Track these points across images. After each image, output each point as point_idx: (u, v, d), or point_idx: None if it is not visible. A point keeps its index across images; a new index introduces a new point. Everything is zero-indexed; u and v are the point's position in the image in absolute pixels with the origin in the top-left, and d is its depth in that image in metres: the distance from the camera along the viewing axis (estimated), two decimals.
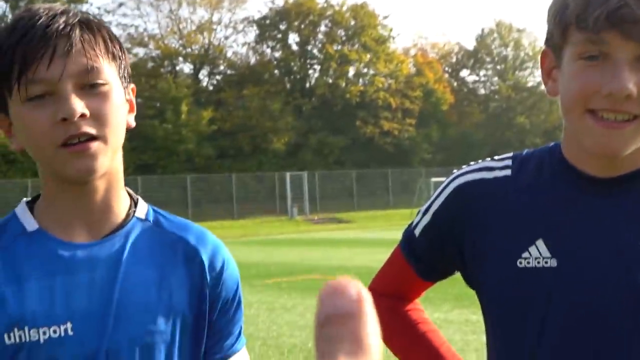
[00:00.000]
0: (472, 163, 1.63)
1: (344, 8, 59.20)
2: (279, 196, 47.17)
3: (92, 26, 1.32)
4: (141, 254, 1.37)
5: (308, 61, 59.79)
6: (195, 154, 49.51)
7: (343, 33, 59.37)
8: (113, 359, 1.31)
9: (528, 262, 1.50)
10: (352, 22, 59.18)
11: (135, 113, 1.43)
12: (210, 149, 50.14)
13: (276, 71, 59.37)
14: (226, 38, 59.31)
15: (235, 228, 38.25)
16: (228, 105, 53.84)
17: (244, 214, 44.31)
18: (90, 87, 1.28)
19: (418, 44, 66.99)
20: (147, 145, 48.46)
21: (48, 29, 1.26)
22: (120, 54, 1.37)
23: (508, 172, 1.56)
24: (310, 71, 59.96)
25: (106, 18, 54.87)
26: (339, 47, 58.74)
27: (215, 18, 58.25)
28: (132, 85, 1.43)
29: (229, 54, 59.39)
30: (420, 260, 1.73)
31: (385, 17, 62.44)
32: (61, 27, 1.27)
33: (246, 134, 51.85)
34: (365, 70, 59.95)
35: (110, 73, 1.32)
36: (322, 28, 59.43)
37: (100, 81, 1.29)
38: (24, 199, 1.43)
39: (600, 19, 1.29)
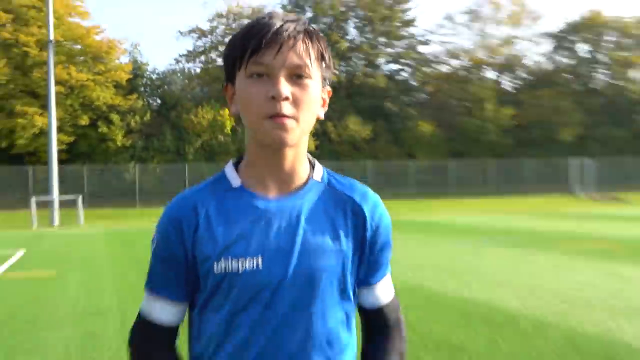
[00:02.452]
0: None
1: (630, 20, 58.00)
2: (566, 179, 48.43)
3: (312, 36, 1.46)
4: (318, 208, 1.51)
5: (595, 66, 58.59)
6: (497, 143, 51.48)
7: (629, 41, 57.97)
8: (295, 287, 1.44)
9: None
10: (637, 32, 57.65)
11: (326, 109, 1.55)
12: (511, 139, 52.21)
13: (568, 75, 58.22)
14: (525, 50, 59.96)
15: (527, 204, 39.38)
16: (525, 105, 54.81)
17: (536, 193, 45.93)
18: (297, 77, 1.42)
19: None
20: (459, 136, 51.87)
21: (280, 28, 1.41)
22: (327, 62, 1.50)
23: None
24: (598, 75, 58.91)
25: (429, 37, 60.14)
26: (624, 53, 57.36)
27: (516, 33, 59.25)
28: (329, 88, 1.55)
29: (527, 62, 59.96)
30: None
31: None
32: (290, 30, 1.41)
33: (539, 127, 52.91)
34: None
35: (315, 73, 1.45)
36: (609, 37, 58.43)
37: (305, 75, 1.42)
38: (231, 160, 1.59)
39: None
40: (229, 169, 1.57)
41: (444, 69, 59.52)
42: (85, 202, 37.90)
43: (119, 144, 44.50)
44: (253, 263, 1.44)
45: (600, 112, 56.05)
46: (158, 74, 52.57)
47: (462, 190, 46.64)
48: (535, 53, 70.28)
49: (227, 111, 47.01)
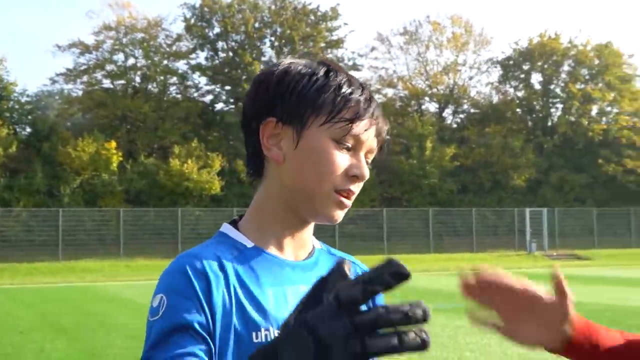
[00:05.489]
0: None
1: (588, 47, 60.02)
2: (517, 231, 49.12)
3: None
4: None
5: (550, 100, 60.72)
6: (438, 188, 52.65)
7: (586, 72, 60.15)
8: None
9: None
10: (596, 62, 59.83)
11: None
12: (452, 184, 53.21)
13: (518, 110, 60.89)
14: (470, 78, 61.86)
15: (474, 260, 40.25)
16: (470, 143, 56.61)
17: (482, 248, 46.86)
18: (368, 154, 1.53)
19: None
20: (394, 179, 52.74)
21: (372, 101, 1.50)
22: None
23: None
24: (553, 110, 60.85)
25: (359, 61, 59.98)
26: (582, 86, 59.31)
27: (460, 60, 61.20)
28: None
29: (473, 93, 61.77)
30: None
31: (630, 56, 61.66)
32: (373, 102, 1.51)
33: (487, 170, 54.39)
34: (609, 108, 59.93)
35: None
36: (565, 67, 60.59)
37: (373, 155, 1.55)
38: (226, 223, 1.59)
39: None
40: (229, 229, 1.57)
41: (376, 98, 60.28)
42: None
43: None
44: None
45: (558, 153, 57.65)
46: (29, 96, 52.47)
47: (396, 243, 46.68)
48: (483, 83, 71.28)
49: (113, 144, 46.74)
